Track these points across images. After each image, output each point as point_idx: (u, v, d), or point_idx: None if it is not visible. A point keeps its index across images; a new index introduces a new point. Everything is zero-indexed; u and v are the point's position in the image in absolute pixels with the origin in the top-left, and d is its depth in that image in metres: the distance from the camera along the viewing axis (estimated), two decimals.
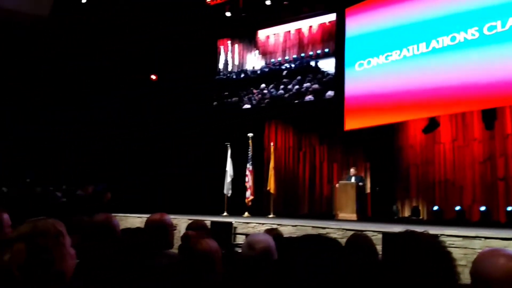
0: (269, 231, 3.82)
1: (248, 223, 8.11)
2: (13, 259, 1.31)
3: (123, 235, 2.62)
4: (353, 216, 9.41)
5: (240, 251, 5.78)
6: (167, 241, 3.18)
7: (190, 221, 4.75)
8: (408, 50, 9.78)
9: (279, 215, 11.12)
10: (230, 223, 7.87)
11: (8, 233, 2.47)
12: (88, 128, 13.25)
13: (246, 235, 7.19)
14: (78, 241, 1.69)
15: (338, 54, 11.21)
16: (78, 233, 2.46)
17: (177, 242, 3.32)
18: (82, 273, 1.16)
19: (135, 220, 9.43)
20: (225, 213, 11.30)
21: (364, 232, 4.76)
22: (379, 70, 10.25)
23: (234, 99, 13.04)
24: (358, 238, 3.09)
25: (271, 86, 12.33)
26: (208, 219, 7.24)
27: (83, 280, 1.13)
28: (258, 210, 11.62)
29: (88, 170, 12.66)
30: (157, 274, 1.38)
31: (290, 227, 6.94)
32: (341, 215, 9.69)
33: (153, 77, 14.22)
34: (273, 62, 12.56)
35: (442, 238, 3.99)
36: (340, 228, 6.35)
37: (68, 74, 13.37)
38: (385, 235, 5.25)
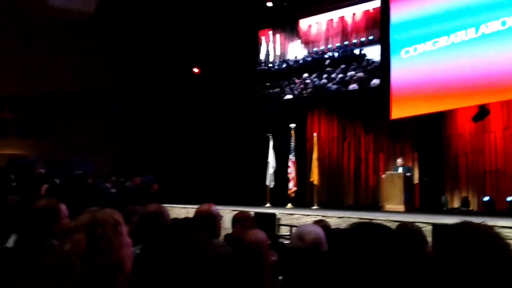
0: (316, 223, 3.79)
1: (291, 214, 8.09)
2: (74, 248, 1.34)
3: (173, 225, 2.68)
4: (401, 208, 9.22)
5: (284, 242, 5.78)
6: (215, 231, 3.25)
7: (233, 212, 4.77)
8: (456, 35, 9.44)
9: (323, 206, 11.05)
10: (274, 214, 7.86)
11: (65, 224, 2.58)
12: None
13: (291, 226, 7.19)
14: (131, 230, 1.73)
15: (383, 41, 10.96)
16: (131, 222, 2.53)
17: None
18: (140, 262, 1.19)
19: (181, 211, 9.60)
20: (267, 204, 11.33)
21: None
22: (426, 57, 9.97)
23: (276, 89, 12.99)
24: (406, 228, 3.00)
25: (313, 75, 12.19)
26: (251, 210, 7.28)
27: (141, 268, 1.16)
28: (301, 201, 11.59)
29: (136, 161, 13.05)
30: (209, 263, 1.40)
31: (335, 219, 6.85)
32: (388, 207, 9.52)
33: (195, 70, 14.35)
34: (315, 51, 12.39)
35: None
36: (388, 219, 6.23)
37: None
38: (436, 226, 5.12)
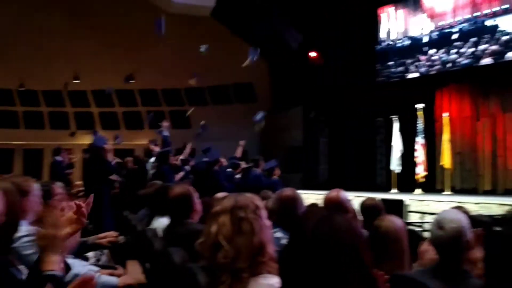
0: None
1: (422, 200, 7.74)
2: (220, 230, 1.45)
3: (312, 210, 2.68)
4: None
5: (414, 229, 5.48)
6: None
7: (357, 198, 4.64)
8: None
9: (456, 192, 10.37)
10: (401, 201, 7.60)
11: (197, 206, 2.83)
12: None
13: (421, 213, 6.84)
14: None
15: None
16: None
17: None
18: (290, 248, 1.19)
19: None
20: (393, 190, 10.91)
21: None
22: None
23: (399, 68, 12.40)
24: None
25: (441, 51, 11.40)
26: (377, 196, 7.08)
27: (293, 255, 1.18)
28: (431, 186, 10.97)
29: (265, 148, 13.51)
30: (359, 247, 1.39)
31: (472, 205, 6.34)
32: None
33: (313, 54, 14.22)
34: (442, 25, 11.54)
35: None
36: None
37: None
38: None
